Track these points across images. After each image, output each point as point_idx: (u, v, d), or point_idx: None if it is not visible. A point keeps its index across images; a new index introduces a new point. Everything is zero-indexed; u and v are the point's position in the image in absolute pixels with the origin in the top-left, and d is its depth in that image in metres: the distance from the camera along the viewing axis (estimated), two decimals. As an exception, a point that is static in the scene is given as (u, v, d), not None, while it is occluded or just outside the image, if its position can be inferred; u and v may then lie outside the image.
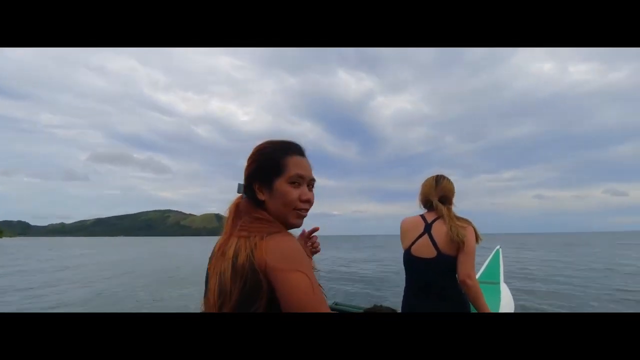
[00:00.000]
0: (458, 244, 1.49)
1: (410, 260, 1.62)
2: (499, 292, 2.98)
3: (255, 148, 0.77)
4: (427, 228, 1.60)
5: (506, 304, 2.72)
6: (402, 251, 1.71)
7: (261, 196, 0.74)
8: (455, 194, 1.67)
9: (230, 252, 0.65)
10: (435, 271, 1.54)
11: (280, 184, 0.72)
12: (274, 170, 0.73)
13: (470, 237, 1.50)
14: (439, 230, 1.57)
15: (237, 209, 0.75)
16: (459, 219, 1.58)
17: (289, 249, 0.64)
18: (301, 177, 0.73)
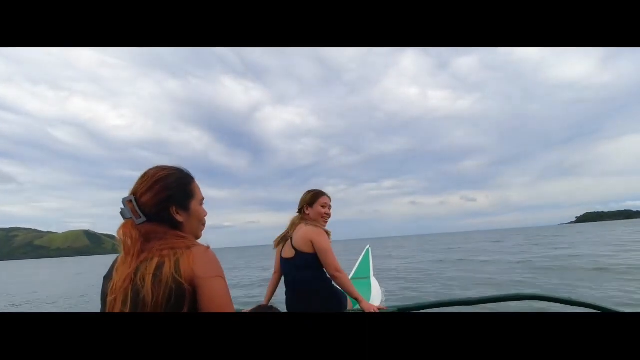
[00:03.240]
0: (311, 244, 1.76)
1: (281, 263, 1.92)
2: (369, 285, 3.50)
3: (157, 176, 0.82)
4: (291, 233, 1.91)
5: (376, 295, 3.29)
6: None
7: (179, 218, 0.83)
8: (308, 202, 1.95)
9: (151, 269, 0.71)
10: (295, 267, 1.82)
11: (195, 206, 0.87)
12: (188, 194, 0.86)
13: (318, 237, 1.77)
14: (296, 233, 1.86)
15: (141, 233, 0.77)
16: (308, 223, 1.87)
17: (212, 258, 0.76)
18: (203, 198, 0.91)
